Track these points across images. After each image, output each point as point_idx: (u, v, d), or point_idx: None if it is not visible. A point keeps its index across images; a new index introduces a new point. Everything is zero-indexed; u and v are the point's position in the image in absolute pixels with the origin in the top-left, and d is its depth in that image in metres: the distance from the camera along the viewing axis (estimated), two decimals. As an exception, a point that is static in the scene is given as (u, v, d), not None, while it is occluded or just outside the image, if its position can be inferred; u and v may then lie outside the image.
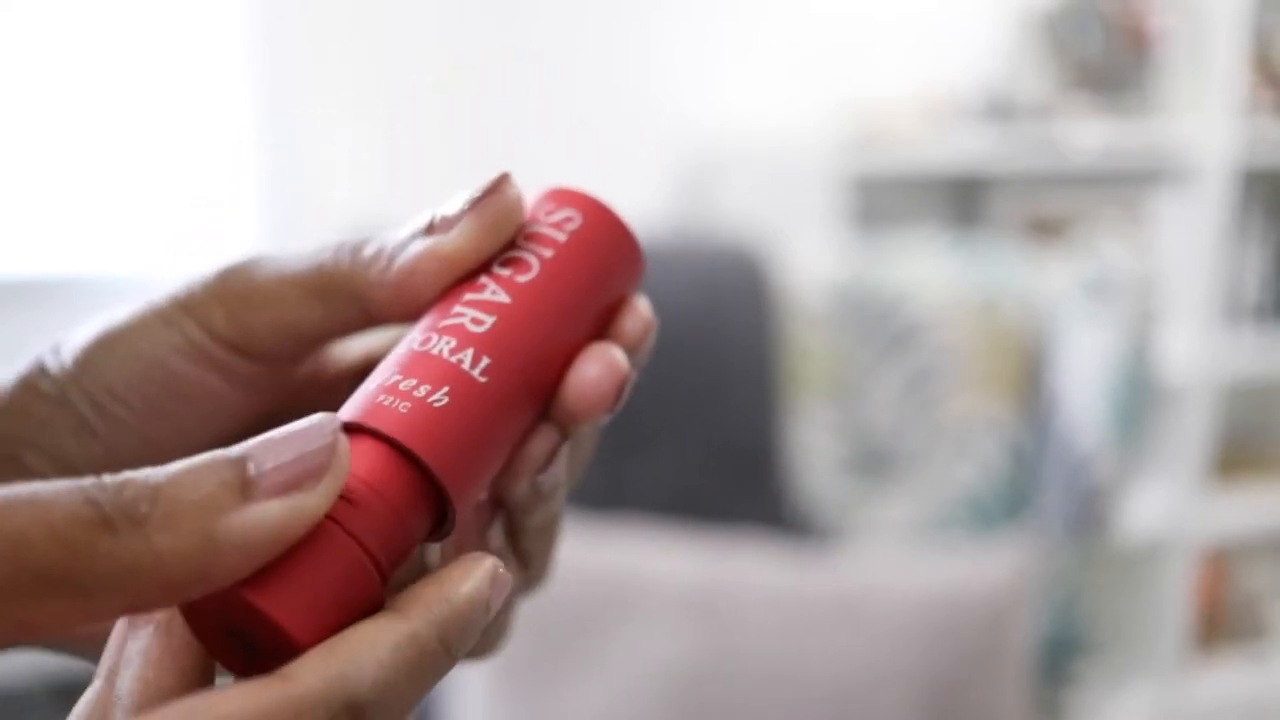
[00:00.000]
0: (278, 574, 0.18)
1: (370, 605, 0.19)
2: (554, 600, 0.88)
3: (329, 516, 0.19)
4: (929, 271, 1.04)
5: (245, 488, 0.17)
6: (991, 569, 0.90)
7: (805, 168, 1.38)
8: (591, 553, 0.90)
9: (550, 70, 1.40)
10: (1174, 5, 1.56)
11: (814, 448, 1.01)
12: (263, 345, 0.23)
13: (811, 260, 1.06)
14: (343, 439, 0.19)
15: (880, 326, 1.01)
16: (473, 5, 1.37)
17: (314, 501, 0.18)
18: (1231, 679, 1.73)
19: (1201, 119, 1.54)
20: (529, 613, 0.87)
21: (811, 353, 1.01)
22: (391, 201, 1.31)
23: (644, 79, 1.45)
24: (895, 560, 0.96)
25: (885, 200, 1.56)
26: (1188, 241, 1.58)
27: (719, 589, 0.88)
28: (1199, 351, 1.58)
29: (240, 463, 0.18)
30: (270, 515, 0.17)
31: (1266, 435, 1.87)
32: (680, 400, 0.99)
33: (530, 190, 0.25)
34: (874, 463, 1.01)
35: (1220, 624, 1.78)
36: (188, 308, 0.23)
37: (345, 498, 0.20)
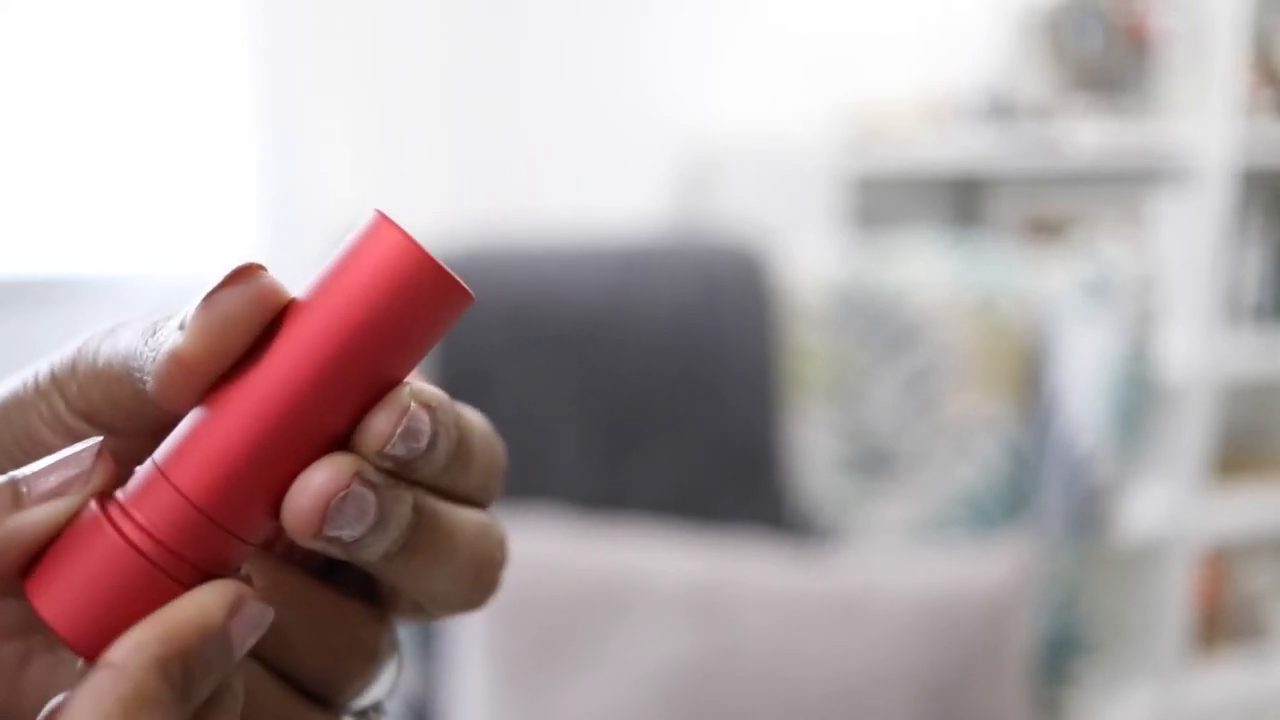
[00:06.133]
0: (57, 575, 0.21)
1: (159, 598, 0.21)
2: (554, 599, 0.88)
3: (115, 529, 0.21)
4: (929, 271, 1.04)
5: (16, 499, 0.21)
6: (991, 569, 0.90)
7: (805, 168, 1.38)
8: (591, 552, 0.90)
9: (550, 71, 1.40)
10: (1174, 5, 1.56)
11: (814, 448, 1.01)
12: (105, 419, 0.23)
13: (811, 260, 1.06)
14: (104, 457, 0.22)
15: (880, 326, 1.01)
16: (472, 5, 1.37)
17: (72, 502, 0.21)
18: (1231, 679, 1.73)
19: (1201, 119, 1.54)
20: (528, 612, 0.88)
21: (811, 353, 1.01)
22: (390, 202, 1.31)
23: (644, 79, 1.45)
24: (895, 560, 0.96)
25: (885, 200, 1.56)
26: (1187, 242, 1.58)
27: (719, 588, 0.88)
28: (1198, 351, 1.59)
29: (11, 481, 0.21)
30: (35, 515, 0.21)
31: (1266, 435, 1.87)
32: (680, 400, 0.99)
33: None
34: (874, 462, 1.01)
35: (1220, 624, 1.78)
36: (56, 379, 0.23)
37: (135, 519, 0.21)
